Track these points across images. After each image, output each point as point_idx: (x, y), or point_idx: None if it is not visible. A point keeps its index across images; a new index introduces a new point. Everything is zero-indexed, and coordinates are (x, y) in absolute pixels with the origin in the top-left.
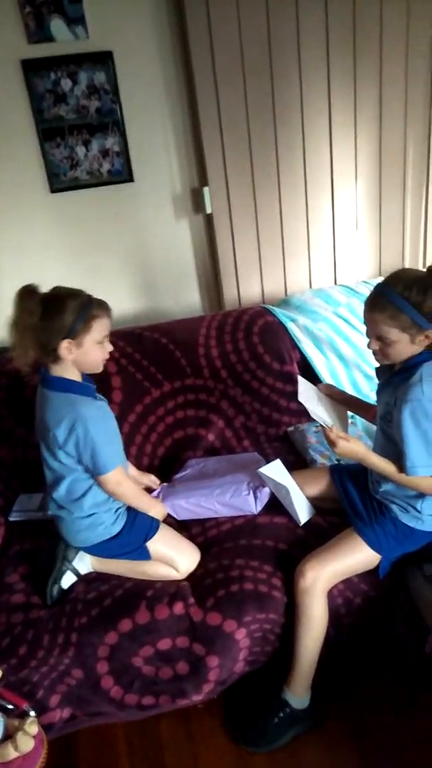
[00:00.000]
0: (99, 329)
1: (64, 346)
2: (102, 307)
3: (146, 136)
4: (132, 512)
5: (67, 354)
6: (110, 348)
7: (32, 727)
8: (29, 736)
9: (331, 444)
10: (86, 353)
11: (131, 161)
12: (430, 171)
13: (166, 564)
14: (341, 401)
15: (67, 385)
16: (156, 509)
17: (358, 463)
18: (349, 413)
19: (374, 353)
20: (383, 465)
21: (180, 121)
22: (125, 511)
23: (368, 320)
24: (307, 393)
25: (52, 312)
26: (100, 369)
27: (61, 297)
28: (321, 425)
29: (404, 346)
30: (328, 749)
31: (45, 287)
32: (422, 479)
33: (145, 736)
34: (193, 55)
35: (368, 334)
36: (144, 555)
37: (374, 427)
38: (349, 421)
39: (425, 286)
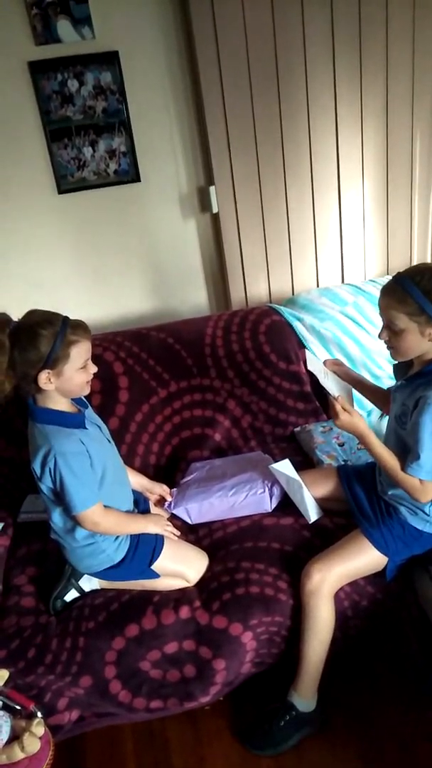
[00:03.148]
0: (78, 355)
1: (43, 377)
2: (79, 330)
3: (153, 136)
4: (135, 536)
5: (47, 384)
6: (94, 369)
7: (39, 728)
8: (36, 737)
9: (334, 415)
10: (68, 380)
11: (138, 161)
12: None
13: (176, 577)
14: (352, 382)
15: (50, 417)
16: (152, 526)
17: (365, 463)
18: (368, 403)
19: (388, 349)
20: (382, 452)
21: (186, 121)
22: (128, 536)
23: (380, 306)
24: (314, 365)
25: (25, 343)
26: (86, 392)
27: (31, 326)
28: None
29: (414, 337)
30: (334, 752)
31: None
32: (413, 480)
33: (152, 737)
34: (198, 54)
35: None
36: (152, 575)
37: (382, 427)
38: (363, 413)
39: None
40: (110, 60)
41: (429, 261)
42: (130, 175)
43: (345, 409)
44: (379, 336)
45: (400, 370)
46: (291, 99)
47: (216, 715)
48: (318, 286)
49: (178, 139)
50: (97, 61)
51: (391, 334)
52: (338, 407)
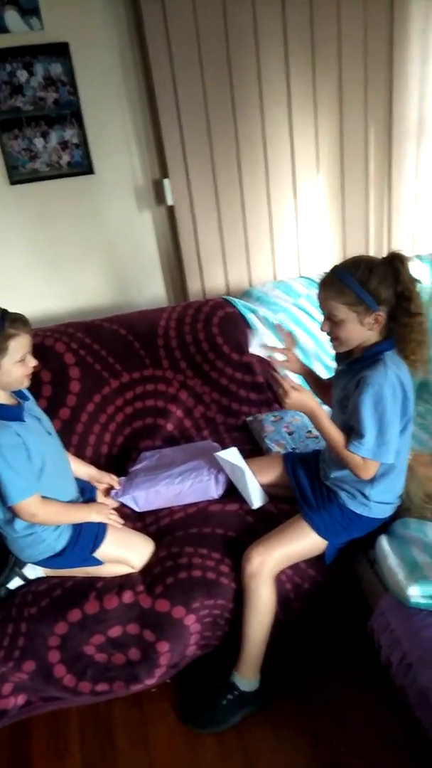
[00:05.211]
0: (17, 349)
1: None
2: (18, 323)
3: (105, 128)
4: (77, 524)
5: None
6: (33, 363)
7: None
8: None
9: (283, 394)
10: (6, 374)
11: (91, 153)
12: (392, 161)
13: (120, 563)
14: (300, 371)
15: None
16: (95, 514)
17: (311, 451)
18: None
19: (330, 340)
20: (330, 428)
21: (139, 113)
22: (69, 525)
23: (319, 299)
24: (257, 347)
25: None
26: (25, 385)
27: None
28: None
29: (353, 327)
30: (276, 730)
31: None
32: (356, 457)
33: (97, 719)
34: (149, 45)
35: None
36: (95, 562)
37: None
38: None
39: (372, 266)
40: (60, 51)
41: (385, 253)
42: (84, 166)
43: (294, 387)
44: (321, 328)
45: (341, 358)
46: (244, 90)
47: (162, 697)
48: (275, 278)
49: (132, 131)
50: (47, 51)
51: (332, 325)
52: (287, 386)
